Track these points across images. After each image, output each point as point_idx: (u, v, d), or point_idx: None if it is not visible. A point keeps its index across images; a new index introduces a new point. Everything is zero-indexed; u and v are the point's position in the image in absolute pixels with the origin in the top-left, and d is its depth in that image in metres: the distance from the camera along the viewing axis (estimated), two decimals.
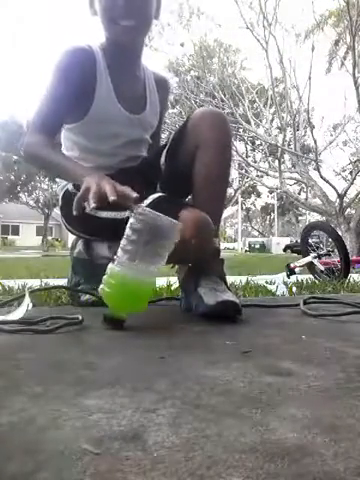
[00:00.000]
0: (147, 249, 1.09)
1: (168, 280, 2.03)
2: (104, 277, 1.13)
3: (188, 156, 1.37)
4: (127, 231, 1.10)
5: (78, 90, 1.38)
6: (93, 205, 1.07)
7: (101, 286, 1.14)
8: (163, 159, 1.49)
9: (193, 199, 1.41)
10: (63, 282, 1.79)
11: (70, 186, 1.49)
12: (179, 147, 1.43)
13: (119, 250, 1.11)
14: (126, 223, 1.29)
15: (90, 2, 1.42)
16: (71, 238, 1.72)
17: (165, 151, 1.49)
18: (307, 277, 3.03)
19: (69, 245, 1.77)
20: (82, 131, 1.47)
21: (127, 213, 1.33)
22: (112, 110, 1.45)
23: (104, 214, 1.43)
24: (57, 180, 1.61)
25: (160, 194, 1.33)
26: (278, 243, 32.56)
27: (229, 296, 1.26)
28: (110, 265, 1.13)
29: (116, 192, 1.08)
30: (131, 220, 1.10)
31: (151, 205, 1.23)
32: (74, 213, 1.17)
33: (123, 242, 1.11)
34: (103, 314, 1.13)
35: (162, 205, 1.12)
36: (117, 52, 1.45)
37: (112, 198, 1.05)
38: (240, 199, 31.31)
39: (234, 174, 26.52)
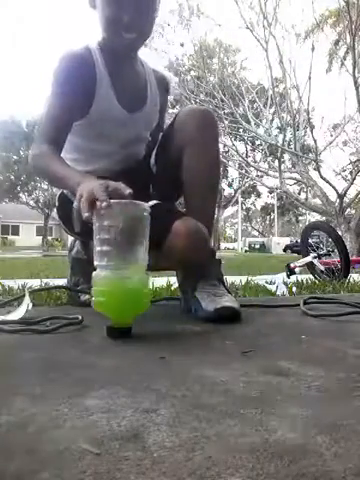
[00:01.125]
0: (123, 242, 1.02)
1: (168, 280, 2.04)
2: (94, 289, 1.05)
3: (176, 155, 1.35)
4: (97, 233, 1.03)
5: (79, 95, 1.37)
6: (86, 215, 1.00)
7: (94, 299, 1.05)
8: (153, 160, 1.48)
9: (184, 200, 1.40)
10: (63, 282, 1.80)
11: None
12: (167, 147, 1.42)
13: (96, 255, 1.04)
14: None
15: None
16: (71, 238, 1.72)
17: (154, 152, 1.48)
18: (307, 277, 3.03)
19: (69, 245, 1.76)
20: (81, 132, 1.46)
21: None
22: (111, 109, 1.44)
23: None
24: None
25: (155, 202, 1.29)
26: (278, 243, 32.61)
27: (227, 301, 1.25)
28: (95, 273, 1.05)
29: (108, 192, 1.01)
30: (96, 219, 1.02)
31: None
32: (76, 229, 1.19)
33: (97, 246, 1.03)
34: (106, 327, 1.04)
35: (155, 214, 1.10)
36: (115, 51, 1.43)
37: (104, 204, 0.98)
38: (240, 199, 31.32)
39: (234, 174, 26.64)
